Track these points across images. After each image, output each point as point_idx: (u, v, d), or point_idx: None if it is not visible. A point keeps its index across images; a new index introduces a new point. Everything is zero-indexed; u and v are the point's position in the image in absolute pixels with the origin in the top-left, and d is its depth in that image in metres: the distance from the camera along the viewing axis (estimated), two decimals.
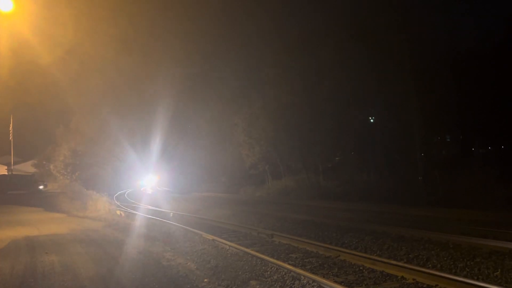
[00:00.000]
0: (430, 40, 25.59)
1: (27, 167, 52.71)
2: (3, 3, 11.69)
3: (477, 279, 6.20)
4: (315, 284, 6.06)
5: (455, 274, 6.56)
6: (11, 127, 43.08)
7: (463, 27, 25.39)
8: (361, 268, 7.28)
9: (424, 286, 6.11)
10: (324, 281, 6.10)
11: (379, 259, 7.46)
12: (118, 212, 19.47)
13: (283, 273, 6.84)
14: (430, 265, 7.35)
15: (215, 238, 10.45)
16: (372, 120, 29.80)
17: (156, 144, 38.61)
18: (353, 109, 27.91)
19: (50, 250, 9.68)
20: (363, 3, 26.77)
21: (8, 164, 52.35)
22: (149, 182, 55.21)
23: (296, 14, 30.57)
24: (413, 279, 6.36)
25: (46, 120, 41.06)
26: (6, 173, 47.27)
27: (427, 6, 26.45)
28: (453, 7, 25.60)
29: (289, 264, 7.40)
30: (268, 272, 7.03)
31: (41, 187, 34.97)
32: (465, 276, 6.39)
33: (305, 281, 6.24)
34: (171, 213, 18.00)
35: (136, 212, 19.06)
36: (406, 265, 6.95)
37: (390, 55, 24.52)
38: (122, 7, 27.19)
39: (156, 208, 21.39)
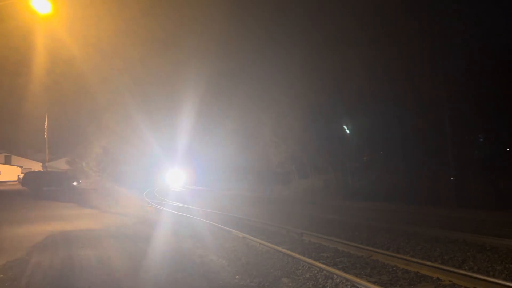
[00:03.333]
0: (462, 36, 24.85)
1: (60, 164, 54.43)
2: (41, 5, 12.06)
3: None
4: (349, 283, 6.02)
5: (494, 276, 6.38)
6: (46, 125, 44.64)
7: (497, 22, 24.44)
8: (394, 268, 7.17)
9: None
10: (358, 280, 6.04)
11: (413, 259, 7.33)
12: (148, 209, 19.87)
13: (315, 271, 6.82)
14: (466, 267, 7.17)
15: (245, 235, 10.50)
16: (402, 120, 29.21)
17: (182, 141, 39.13)
18: (382, 108, 27.44)
19: (85, 245, 9.96)
20: (392, 1, 26.23)
21: (43, 161, 54.25)
22: (176, 179, 56.08)
23: (325, 11, 30.26)
24: (450, 281, 6.22)
25: (78, 118, 42.22)
26: (42, 170, 48.97)
27: (458, 2, 25.64)
28: (486, 3, 24.66)
29: (320, 263, 7.37)
30: (300, 270, 7.02)
31: (74, 183, 35.98)
32: (505, 279, 6.19)
33: (338, 280, 6.20)
34: (200, 210, 18.22)
35: (166, 209, 19.37)
36: (441, 266, 6.80)
37: (421, 53, 23.98)
38: (151, 7, 27.67)
39: (184, 205, 21.68)
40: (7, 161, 61.98)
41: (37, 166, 58.18)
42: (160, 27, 30.18)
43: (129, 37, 27.60)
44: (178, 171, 54.66)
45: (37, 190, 32.54)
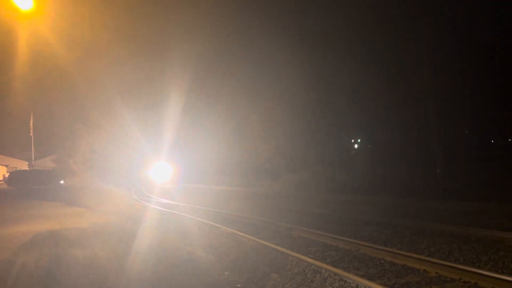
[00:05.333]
0: (447, 29, 25.11)
1: (47, 162, 53.69)
2: (23, 1, 11.83)
3: (502, 273, 6.12)
4: (337, 277, 6.06)
5: (479, 267, 6.49)
6: (31, 123, 44.00)
7: (481, 15, 24.73)
8: (382, 261, 7.25)
9: (448, 279, 6.05)
10: (346, 274, 6.09)
11: (400, 252, 7.41)
12: (136, 206, 19.75)
13: (304, 266, 6.85)
14: (452, 259, 7.27)
15: (234, 231, 10.51)
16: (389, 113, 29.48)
17: (170, 138, 38.91)
18: (369, 101, 27.64)
19: (73, 244, 9.85)
20: None
21: (29, 160, 53.49)
22: (164, 176, 55.82)
23: (313, 6, 30.31)
24: (436, 273, 6.31)
25: (64, 116, 41.72)
26: (28, 168, 48.29)
27: None
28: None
29: (309, 257, 7.41)
30: (289, 265, 7.05)
31: (61, 181, 35.55)
32: (490, 270, 6.30)
33: (326, 274, 6.25)
34: (189, 207, 18.17)
35: (154, 206, 19.29)
36: (428, 258, 6.89)
37: (408, 48, 24.20)
38: (135, 4, 27.39)
39: (173, 202, 21.61)
40: None
41: (23, 165, 57.36)
42: (145, 23, 29.93)
43: (114, 34, 27.31)
44: (166, 168, 54.39)
45: (23, 189, 32.07)
